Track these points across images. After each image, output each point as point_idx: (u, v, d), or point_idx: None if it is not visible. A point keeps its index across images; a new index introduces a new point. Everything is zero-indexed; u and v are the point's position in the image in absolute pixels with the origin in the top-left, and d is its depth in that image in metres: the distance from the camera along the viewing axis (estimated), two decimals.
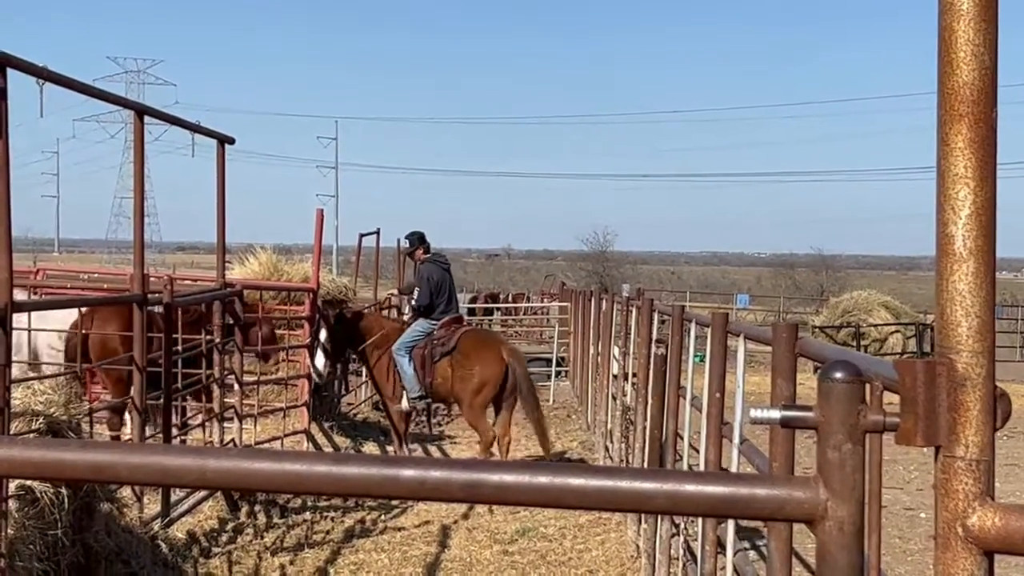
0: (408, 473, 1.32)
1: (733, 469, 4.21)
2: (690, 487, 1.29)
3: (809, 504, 1.26)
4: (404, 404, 10.38)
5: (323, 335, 10.46)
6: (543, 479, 1.31)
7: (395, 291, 12.11)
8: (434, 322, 10.30)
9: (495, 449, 10.18)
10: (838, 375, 1.27)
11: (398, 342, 10.24)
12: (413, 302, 10.35)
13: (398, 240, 17.04)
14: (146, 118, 6.70)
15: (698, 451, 4.86)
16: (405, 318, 11.27)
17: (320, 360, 10.53)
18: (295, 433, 10.22)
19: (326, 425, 11.63)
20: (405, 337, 10.26)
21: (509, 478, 1.32)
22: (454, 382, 10.16)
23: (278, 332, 10.56)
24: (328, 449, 10.62)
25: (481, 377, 10.14)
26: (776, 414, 1.33)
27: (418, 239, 10.59)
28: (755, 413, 1.35)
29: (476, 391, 10.15)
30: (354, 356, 10.80)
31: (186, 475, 1.37)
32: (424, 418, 12.45)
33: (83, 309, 7.21)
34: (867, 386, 1.28)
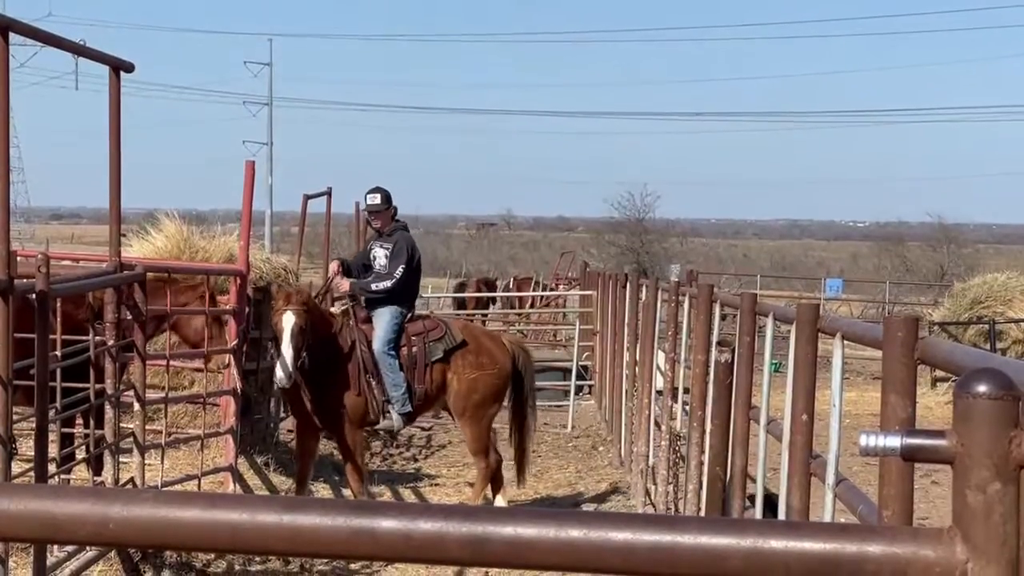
0: (388, 525, 1.33)
1: (826, 519, 4.22)
2: (777, 543, 1.30)
3: (942, 566, 1.26)
4: (395, 420, 10.50)
5: (289, 329, 9.77)
6: (575, 532, 1.31)
7: (336, 265, 11.27)
8: (405, 309, 10.52)
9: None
10: (982, 388, 1.27)
11: (381, 339, 10.22)
12: (386, 283, 10.26)
13: (356, 204, 17.06)
14: (10, 35, 6.68)
15: (775, 495, 4.86)
16: (334, 310, 11.16)
17: (286, 367, 9.81)
18: (217, 471, 10.24)
19: (259, 460, 11.65)
20: (386, 330, 10.28)
21: (527, 531, 1.32)
22: (469, 387, 10.50)
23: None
24: (262, 492, 10.64)
25: (503, 378, 10.69)
26: (896, 441, 1.33)
27: (387, 198, 10.64)
28: (868, 441, 1.35)
29: (497, 396, 10.73)
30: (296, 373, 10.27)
31: (81, 528, 1.37)
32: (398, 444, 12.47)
33: None
34: (1022, 404, 1.28)
